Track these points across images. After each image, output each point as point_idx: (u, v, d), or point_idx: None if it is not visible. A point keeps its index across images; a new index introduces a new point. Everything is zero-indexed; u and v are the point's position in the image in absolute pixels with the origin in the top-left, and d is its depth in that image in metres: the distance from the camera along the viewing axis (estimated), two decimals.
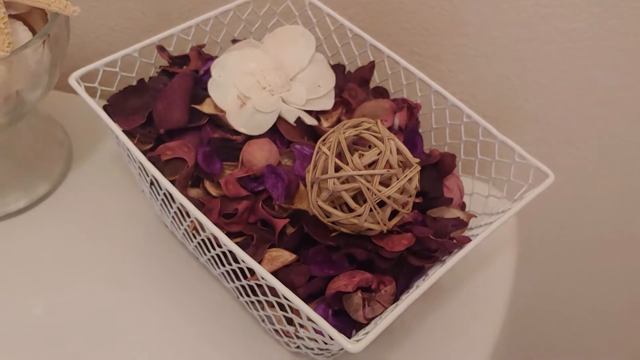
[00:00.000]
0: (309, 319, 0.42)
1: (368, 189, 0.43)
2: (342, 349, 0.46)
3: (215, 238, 0.45)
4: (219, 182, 0.48)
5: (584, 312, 0.94)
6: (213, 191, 0.48)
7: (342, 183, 0.44)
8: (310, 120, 0.52)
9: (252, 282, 0.45)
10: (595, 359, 1.00)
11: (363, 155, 0.44)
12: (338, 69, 0.58)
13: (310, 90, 0.53)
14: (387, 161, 0.43)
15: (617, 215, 0.81)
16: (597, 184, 0.78)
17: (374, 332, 0.40)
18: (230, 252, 0.44)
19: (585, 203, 0.80)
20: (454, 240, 0.48)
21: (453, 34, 0.68)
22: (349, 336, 0.43)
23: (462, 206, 0.55)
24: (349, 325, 0.47)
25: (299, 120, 0.52)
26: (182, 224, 0.50)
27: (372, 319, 0.46)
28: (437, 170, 0.53)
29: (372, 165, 0.44)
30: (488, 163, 0.55)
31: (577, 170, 0.77)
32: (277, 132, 0.52)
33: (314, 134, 0.54)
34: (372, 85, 0.59)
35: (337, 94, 0.55)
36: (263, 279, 0.43)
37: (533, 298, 0.90)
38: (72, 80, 0.50)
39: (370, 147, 0.45)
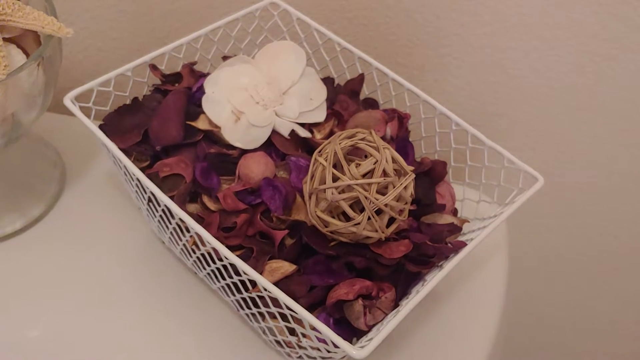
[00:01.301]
0: (313, 328, 0.43)
1: (366, 197, 0.44)
2: (344, 356, 0.47)
3: (216, 251, 0.46)
4: (217, 197, 0.49)
5: (573, 313, 0.95)
6: (211, 205, 0.49)
7: (340, 192, 0.45)
8: (303, 133, 0.53)
9: (253, 294, 0.46)
10: None
11: (360, 164, 0.45)
12: (327, 82, 0.59)
13: (302, 103, 0.54)
14: (383, 170, 0.44)
15: (603, 218, 0.82)
16: (581, 187, 0.80)
17: (377, 338, 0.40)
18: (231, 265, 0.45)
19: (571, 206, 0.82)
20: (450, 245, 0.49)
21: (437, 45, 0.70)
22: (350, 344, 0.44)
23: (454, 212, 0.56)
24: (349, 334, 0.48)
25: (292, 133, 0.53)
26: (180, 240, 0.50)
27: (373, 326, 0.47)
28: (429, 177, 0.54)
29: (368, 174, 0.45)
30: (478, 169, 0.56)
31: (561, 174, 0.79)
32: (271, 146, 0.53)
33: (307, 146, 0.55)
34: (361, 97, 0.60)
35: (328, 107, 0.56)
36: (265, 290, 0.43)
37: (524, 301, 0.92)
38: (67, 100, 0.50)
39: (366, 156, 0.46)
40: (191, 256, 0.51)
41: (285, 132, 0.53)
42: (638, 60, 0.67)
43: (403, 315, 0.42)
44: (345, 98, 0.57)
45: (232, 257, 0.43)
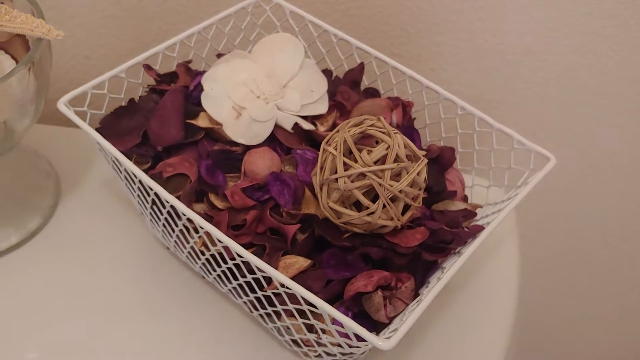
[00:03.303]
0: (334, 322, 0.41)
1: (380, 184, 0.43)
2: (364, 352, 0.46)
3: (227, 251, 0.44)
4: (224, 195, 0.47)
5: (582, 301, 0.95)
6: (219, 204, 0.47)
7: (353, 181, 0.43)
8: (307, 126, 0.52)
9: (269, 292, 0.44)
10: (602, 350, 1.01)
11: (371, 151, 0.44)
12: (326, 74, 0.58)
13: (303, 95, 0.53)
14: (396, 155, 0.43)
15: (605, 200, 0.82)
16: (584, 170, 0.79)
17: (403, 328, 0.39)
18: (245, 263, 0.43)
19: (574, 189, 0.81)
20: (467, 230, 0.47)
21: (432, 33, 0.69)
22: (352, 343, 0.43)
23: (465, 199, 0.55)
24: (369, 327, 0.46)
25: (295, 126, 0.52)
26: (187, 243, 0.49)
27: (394, 317, 0.45)
28: (438, 164, 0.53)
29: (380, 160, 0.44)
30: (486, 153, 0.55)
31: (562, 158, 0.78)
32: (275, 140, 0.51)
33: (311, 140, 0.53)
34: (362, 87, 0.59)
35: (329, 98, 0.55)
36: (282, 286, 0.42)
37: (537, 289, 0.91)
38: (61, 105, 0.48)
39: (377, 142, 0.45)
40: (199, 259, 0.49)
41: (289, 126, 0.52)
42: (635, 37, 0.66)
43: (427, 303, 0.41)
44: (346, 89, 0.56)
45: (246, 254, 0.41)
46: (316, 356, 0.49)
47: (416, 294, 0.45)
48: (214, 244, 0.45)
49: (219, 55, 0.59)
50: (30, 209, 0.59)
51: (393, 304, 0.44)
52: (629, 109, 0.72)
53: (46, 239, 0.59)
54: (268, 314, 0.50)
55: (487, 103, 0.73)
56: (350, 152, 0.44)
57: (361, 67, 0.57)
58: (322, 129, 0.53)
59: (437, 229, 0.46)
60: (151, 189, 0.46)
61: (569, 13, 0.65)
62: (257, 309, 0.49)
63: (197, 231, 0.46)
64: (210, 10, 0.69)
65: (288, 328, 0.48)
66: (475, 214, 0.50)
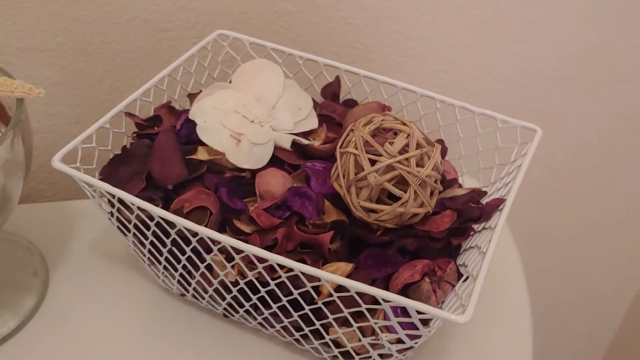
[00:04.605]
0: (400, 313, 0.41)
1: (408, 172, 0.43)
2: (411, 348, 0.45)
3: (268, 271, 0.43)
4: (248, 219, 0.46)
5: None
6: (245, 228, 0.46)
7: (381, 175, 0.44)
8: (306, 141, 0.52)
9: (319, 304, 0.43)
10: None
11: (392, 142, 0.44)
12: None
13: (293, 114, 0.53)
14: (417, 142, 0.44)
15: (594, 174, 0.86)
16: (571, 140, 0.83)
17: (472, 301, 0.39)
18: (291, 278, 0.42)
19: (560, 165, 0.85)
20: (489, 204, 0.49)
21: (380, 46, 0.71)
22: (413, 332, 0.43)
23: (460, 187, 0.57)
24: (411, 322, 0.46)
25: (293, 144, 0.52)
26: (215, 279, 0.47)
27: (443, 302, 0.45)
28: None
29: (402, 150, 0.44)
30: (472, 139, 0.57)
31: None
32: (277, 161, 0.51)
33: (307, 156, 0.53)
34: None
35: None
36: (338, 290, 0.41)
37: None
38: (56, 162, 0.46)
39: (396, 133, 0.46)
40: (225, 298, 0.48)
41: (287, 144, 0.52)
42: None
43: (484, 274, 0.41)
44: (329, 102, 0.57)
45: (299, 266, 0.40)
46: None
47: (460, 275, 0.46)
48: (252, 269, 0.44)
49: (190, 96, 0.58)
50: (21, 289, 0.55)
51: (442, 288, 0.45)
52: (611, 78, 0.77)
53: (44, 319, 0.54)
54: (304, 336, 0.49)
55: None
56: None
57: (337, 80, 0.58)
58: (317, 143, 0.53)
59: (464, 208, 0.47)
60: (172, 229, 0.44)
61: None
62: (292, 334, 0.48)
63: (229, 260, 0.45)
64: (161, 60, 0.68)
65: (335, 342, 0.47)
66: (486, 192, 0.52)
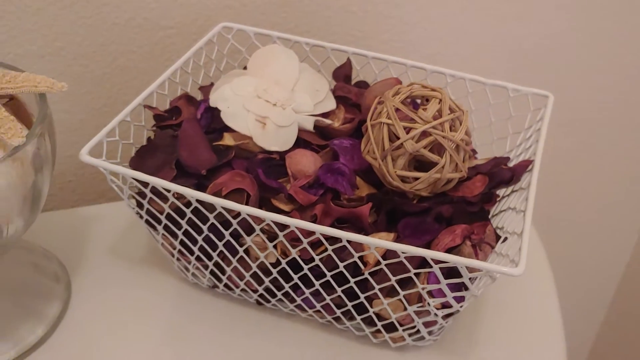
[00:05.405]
0: (451, 276, 0.42)
1: (444, 137, 0.44)
2: (456, 312, 0.46)
3: (308, 249, 0.43)
4: (286, 197, 0.46)
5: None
6: (284, 207, 0.46)
7: (417, 142, 0.44)
8: (328, 121, 0.52)
9: (365, 274, 0.43)
10: None
11: (425, 109, 0.45)
12: None
13: (311, 96, 0.53)
14: (449, 107, 0.45)
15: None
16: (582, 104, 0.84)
17: (523, 255, 0.40)
18: (337, 250, 0.42)
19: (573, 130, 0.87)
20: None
21: (377, 32, 0.72)
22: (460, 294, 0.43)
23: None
24: (459, 284, 0.47)
25: (315, 125, 0.52)
26: (253, 262, 0.47)
27: None
28: None
29: (435, 115, 0.45)
30: (484, 111, 0.58)
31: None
32: (301, 143, 0.51)
33: (326, 137, 0.53)
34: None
35: None
36: (385, 258, 0.41)
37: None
38: (84, 156, 0.45)
39: (427, 100, 0.46)
40: (263, 282, 0.48)
41: (310, 126, 0.52)
42: None
43: (528, 224, 0.42)
44: (342, 84, 0.57)
45: (348, 235, 0.40)
46: (411, 334, 0.48)
47: (498, 237, 0.46)
48: (294, 246, 0.44)
49: (202, 88, 0.58)
50: (42, 298, 0.53)
51: (483, 250, 0.45)
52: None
53: (69, 328, 0.53)
54: (344, 313, 0.49)
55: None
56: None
57: (349, 61, 0.59)
58: (337, 124, 0.54)
59: (495, 171, 0.48)
60: (210, 213, 0.44)
61: None
62: (333, 312, 0.48)
63: (271, 240, 0.44)
64: (162, 59, 0.67)
65: (379, 315, 0.47)
66: (509, 158, 0.53)
